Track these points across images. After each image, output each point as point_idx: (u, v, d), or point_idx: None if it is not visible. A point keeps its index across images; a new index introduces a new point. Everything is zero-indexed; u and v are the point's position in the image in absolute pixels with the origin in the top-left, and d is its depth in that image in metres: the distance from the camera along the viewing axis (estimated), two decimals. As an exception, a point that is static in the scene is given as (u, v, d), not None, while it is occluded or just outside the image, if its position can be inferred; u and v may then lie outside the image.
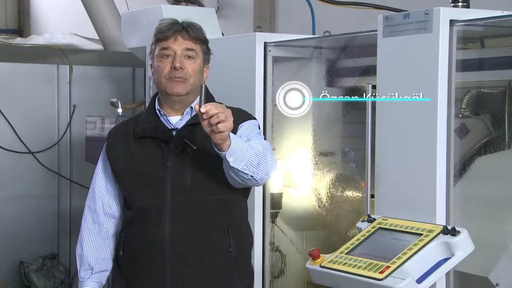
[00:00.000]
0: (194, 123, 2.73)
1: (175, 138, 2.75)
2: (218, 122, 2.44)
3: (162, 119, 2.81)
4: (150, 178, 2.76)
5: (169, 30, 2.76)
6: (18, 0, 11.05)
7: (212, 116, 2.44)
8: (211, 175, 2.71)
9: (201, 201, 2.73)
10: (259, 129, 2.85)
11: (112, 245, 2.93)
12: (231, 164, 2.53)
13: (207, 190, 2.73)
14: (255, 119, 2.87)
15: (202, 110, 2.44)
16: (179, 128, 2.77)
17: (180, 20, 2.80)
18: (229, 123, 2.46)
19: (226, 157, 2.52)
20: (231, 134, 2.53)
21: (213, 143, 2.52)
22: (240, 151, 2.54)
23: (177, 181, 2.72)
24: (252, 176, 2.58)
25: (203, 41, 2.81)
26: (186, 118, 2.79)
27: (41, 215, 6.02)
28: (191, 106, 2.78)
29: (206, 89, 2.51)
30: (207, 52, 2.83)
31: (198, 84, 2.73)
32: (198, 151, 2.71)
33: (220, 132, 2.45)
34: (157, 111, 2.82)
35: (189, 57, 2.75)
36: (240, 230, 2.81)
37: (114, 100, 4.98)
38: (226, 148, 2.50)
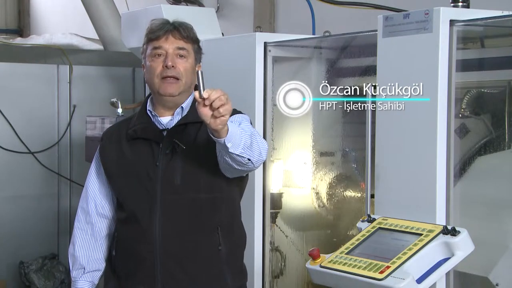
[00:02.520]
0: (185, 123, 2.74)
1: (165, 138, 2.76)
2: (221, 105, 2.35)
3: (153, 119, 2.81)
4: (141, 179, 2.76)
5: (160, 30, 2.77)
6: (18, 0, 11.07)
7: (213, 101, 2.35)
8: (201, 174, 2.71)
9: (191, 200, 2.73)
10: (250, 123, 2.78)
11: (105, 245, 2.93)
12: (230, 150, 2.46)
13: (197, 189, 2.73)
14: (245, 114, 2.81)
15: (205, 95, 2.35)
16: (169, 128, 2.77)
17: (171, 20, 2.81)
18: (230, 106, 2.38)
19: (226, 143, 2.44)
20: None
21: (210, 131, 2.44)
22: (237, 135, 2.47)
23: (167, 180, 2.72)
24: (249, 160, 2.52)
25: (194, 41, 2.81)
26: (177, 118, 2.79)
27: (41, 215, 6.01)
28: (182, 106, 2.78)
29: (203, 75, 2.43)
30: (198, 52, 2.83)
31: (190, 84, 2.74)
32: (188, 150, 2.71)
33: (222, 116, 2.36)
34: (148, 112, 2.83)
35: (181, 56, 2.75)
36: (230, 229, 2.80)
37: (114, 100, 4.97)
38: (225, 134, 2.42)
